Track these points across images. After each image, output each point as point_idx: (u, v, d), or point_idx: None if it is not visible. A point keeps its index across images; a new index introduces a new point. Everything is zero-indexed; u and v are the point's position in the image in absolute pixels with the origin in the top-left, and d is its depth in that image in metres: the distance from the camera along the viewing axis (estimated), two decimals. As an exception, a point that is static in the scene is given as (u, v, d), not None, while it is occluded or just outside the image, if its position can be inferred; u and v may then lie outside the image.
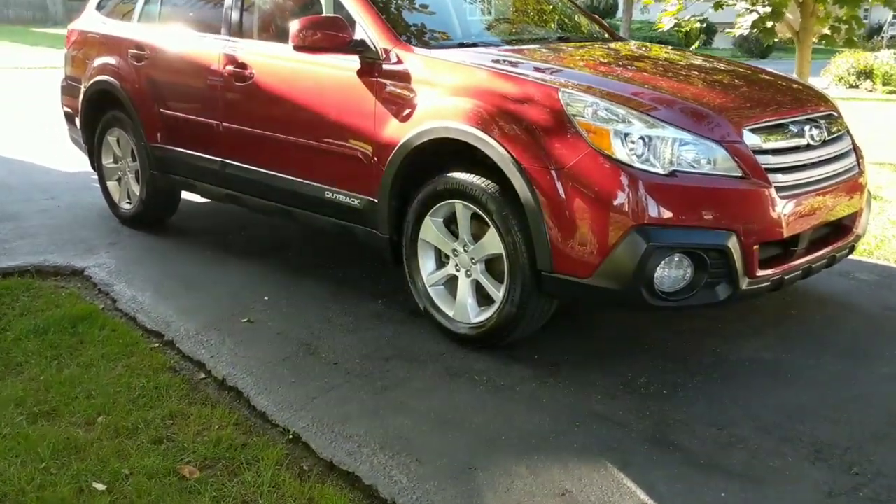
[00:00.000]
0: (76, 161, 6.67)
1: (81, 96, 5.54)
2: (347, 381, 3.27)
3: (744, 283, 3.09)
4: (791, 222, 3.16)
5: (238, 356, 3.52)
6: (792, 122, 3.35)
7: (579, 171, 3.04)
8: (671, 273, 3.04)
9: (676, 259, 3.02)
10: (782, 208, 3.12)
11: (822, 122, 3.47)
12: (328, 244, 4.94)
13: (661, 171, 3.00)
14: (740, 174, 3.06)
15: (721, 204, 3.05)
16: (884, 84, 17.38)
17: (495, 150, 3.21)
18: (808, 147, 3.33)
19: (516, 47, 4.11)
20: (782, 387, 3.20)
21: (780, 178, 3.15)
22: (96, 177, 5.71)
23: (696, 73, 3.87)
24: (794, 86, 3.86)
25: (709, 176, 3.05)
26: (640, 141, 3.03)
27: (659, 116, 3.09)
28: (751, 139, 3.15)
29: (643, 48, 4.58)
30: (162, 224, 5.43)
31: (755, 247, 3.09)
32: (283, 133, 4.14)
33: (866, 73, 18.00)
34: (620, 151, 3.02)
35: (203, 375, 3.42)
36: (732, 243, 3.02)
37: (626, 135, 3.03)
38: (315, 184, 4.04)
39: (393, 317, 3.92)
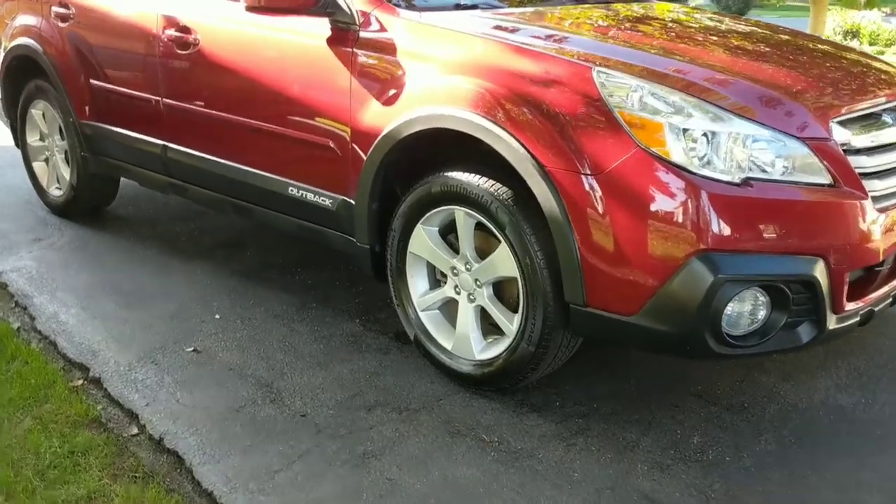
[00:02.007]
0: (3, 136, 5.80)
1: (0, 62, 4.68)
2: (318, 444, 2.54)
3: (831, 322, 2.40)
4: (886, 241, 2.46)
5: (180, 404, 2.77)
6: (885, 111, 2.63)
7: (622, 177, 2.31)
8: (743, 312, 2.33)
9: (751, 294, 2.31)
10: (879, 224, 2.41)
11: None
12: (293, 242, 4.16)
13: (730, 178, 2.27)
14: (829, 181, 2.34)
15: (806, 221, 2.33)
16: (870, 44, 16.80)
17: (509, 146, 2.46)
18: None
19: (527, 9, 3.32)
20: (875, 447, 2.52)
21: (877, 186, 2.44)
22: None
23: (746, 42, 3.13)
24: (869, 61, 3.13)
25: (791, 185, 2.33)
26: (703, 138, 2.30)
27: (725, 105, 2.35)
28: (840, 134, 2.43)
29: (652, 8, 3.75)
30: (98, 213, 4.62)
31: (846, 275, 2.39)
32: (235, 114, 3.36)
33: (853, 33, 17.39)
34: (677, 152, 2.28)
35: (135, 430, 2.68)
36: (820, 272, 2.32)
37: (685, 130, 2.30)
38: (276, 177, 3.27)
39: (374, 342, 3.18)
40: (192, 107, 3.52)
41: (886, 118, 2.60)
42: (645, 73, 2.43)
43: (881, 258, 2.45)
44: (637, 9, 3.55)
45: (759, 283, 2.29)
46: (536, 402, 2.76)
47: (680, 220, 2.26)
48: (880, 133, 2.55)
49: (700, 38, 3.12)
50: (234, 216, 3.77)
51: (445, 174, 2.69)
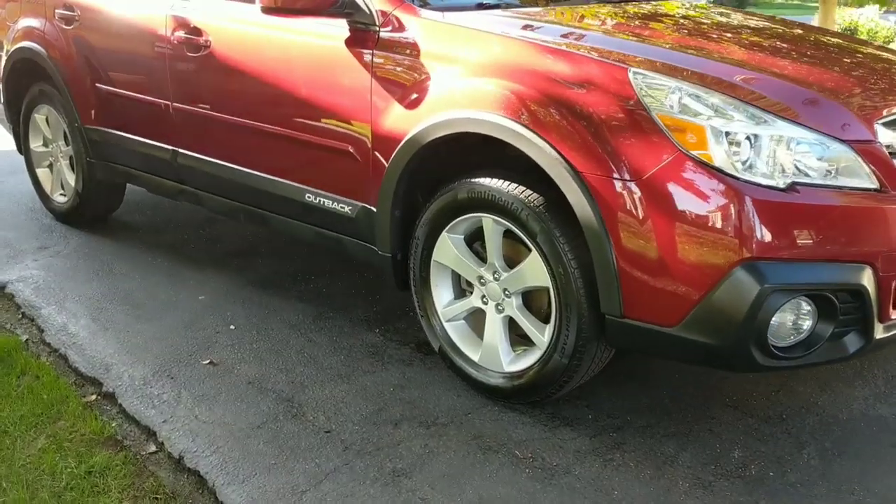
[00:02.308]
0: (4, 141, 5.69)
1: (3, 66, 4.58)
2: (346, 462, 2.45)
3: (878, 331, 2.31)
4: (932, 245, 2.37)
5: (199, 420, 2.67)
6: (927, 111, 2.55)
7: (662, 183, 2.22)
8: (790, 323, 2.24)
9: (797, 304, 2.22)
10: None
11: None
12: (307, 248, 4.06)
13: (776, 183, 2.18)
14: (876, 186, 2.26)
15: (853, 227, 2.24)
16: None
17: (542, 151, 2.37)
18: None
19: (553, 8, 3.23)
20: (919, 461, 2.44)
21: (924, 189, 2.35)
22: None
23: (776, 40, 3.04)
24: (879, 51, 3.02)
25: (837, 189, 2.24)
26: (746, 142, 2.21)
27: (766, 107, 2.26)
28: (885, 136, 2.34)
29: (677, 6, 3.66)
30: (103, 220, 4.51)
31: (893, 282, 2.30)
32: (249, 118, 3.26)
33: (851, 31, 17.34)
34: (720, 156, 2.19)
35: (153, 448, 2.59)
36: (868, 280, 2.23)
37: (727, 133, 2.20)
38: (292, 184, 3.17)
39: (396, 353, 3.08)
40: (203, 111, 3.42)
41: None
42: (683, 74, 2.34)
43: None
44: (662, 8, 3.46)
45: (806, 292, 2.20)
46: (568, 415, 2.67)
47: (723, 227, 2.17)
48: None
49: (730, 37, 3.03)
50: (248, 223, 3.68)
51: (472, 180, 2.60)
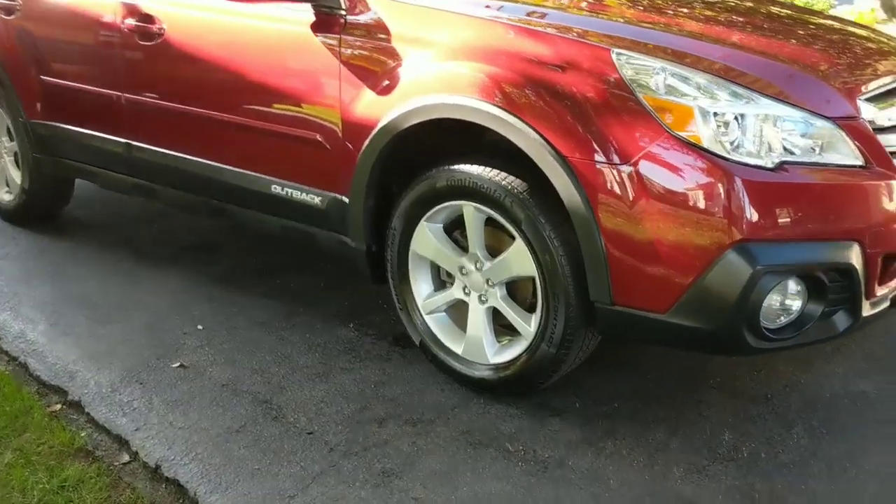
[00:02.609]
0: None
1: (-64, 58, 4.33)
2: (333, 464, 2.36)
3: (866, 308, 2.30)
4: (915, 220, 2.38)
5: (174, 427, 2.56)
6: (903, 85, 2.55)
7: (651, 166, 2.17)
8: (782, 304, 2.23)
9: (786, 285, 2.20)
10: (913, 204, 2.32)
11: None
12: (269, 242, 3.94)
13: (764, 163, 2.15)
14: (862, 162, 2.24)
15: (842, 205, 2.23)
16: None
17: (525, 136, 2.31)
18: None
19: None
20: (907, 436, 2.46)
21: (907, 164, 2.35)
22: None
23: (753, 17, 3.01)
24: (870, 34, 3.03)
25: (825, 167, 2.22)
26: (734, 122, 2.17)
27: (751, 85, 2.23)
28: (868, 112, 2.33)
29: None
30: (52, 219, 4.32)
31: (879, 259, 2.30)
32: (209, 109, 3.13)
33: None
34: (708, 137, 2.15)
35: (127, 458, 2.47)
36: (856, 257, 2.22)
37: (715, 114, 2.17)
38: (258, 175, 3.06)
39: (373, 348, 3.00)
40: (159, 102, 3.27)
41: (906, 93, 2.51)
42: (667, 54, 2.29)
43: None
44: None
45: (797, 272, 2.18)
46: (555, 404, 2.62)
47: (714, 209, 2.13)
48: (902, 109, 2.46)
49: (686, 12, 2.96)
50: (210, 218, 3.54)
51: (452, 167, 2.52)
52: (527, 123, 2.30)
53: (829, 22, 3.18)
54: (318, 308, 3.32)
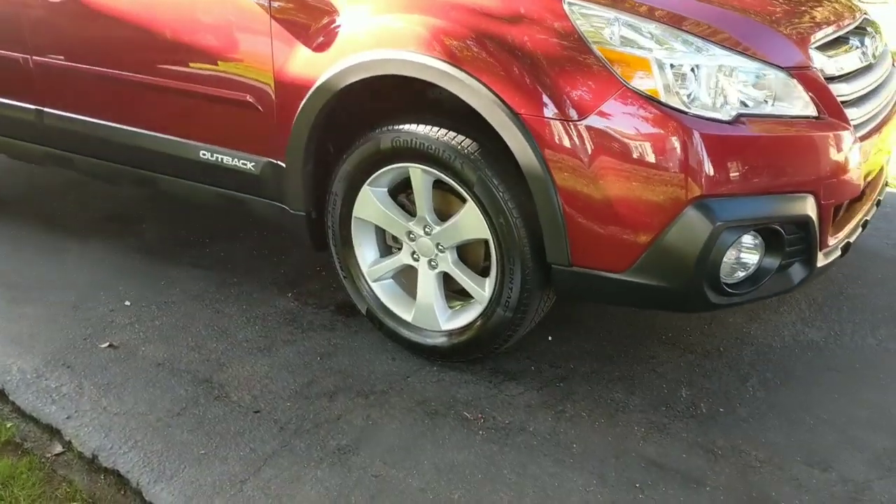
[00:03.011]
0: None
1: None
2: (285, 444, 2.25)
3: (819, 259, 2.30)
4: (864, 171, 2.37)
5: (108, 412, 2.40)
6: (850, 34, 2.53)
7: (607, 121, 2.10)
8: (740, 258, 2.20)
9: (748, 239, 2.17)
10: (858, 154, 2.31)
11: (870, 30, 2.67)
12: (195, 209, 3.74)
13: (722, 116, 2.10)
14: (815, 113, 2.21)
15: (797, 157, 2.20)
16: None
17: (476, 92, 2.20)
18: (869, 67, 2.52)
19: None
20: (860, 382, 2.48)
21: (855, 114, 2.33)
22: None
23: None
24: None
25: (781, 119, 2.18)
26: (691, 73, 2.11)
27: (706, 35, 2.16)
28: (819, 61, 2.30)
29: None
30: (-46, 193, 4.02)
31: (832, 209, 2.29)
32: (127, 70, 2.91)
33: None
34: (666, 90, 2.08)
35: (59, 449, 2.30)
36: (811, 209, 2.20)
37: (672, 66, 2.10)
38: (183, 141, 2.87)
39: (315, 318, 2.88)
40: (72, 64, 3.03)
41: (854, 41, 2.49)
42: (620, 3, 2.21)
43: (862, 189, 2.37)
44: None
45: (756, 226, 2.14)
46: (510, 368, 2.56)
47: (672, 165, 2.07)
48: (849, 57, 2.44)
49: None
50: (132, 187, 3.33)
51: (396, 127, 2.40)
52: (476, 78, 2.19)
53: None
54: (254, 277, 3.17)
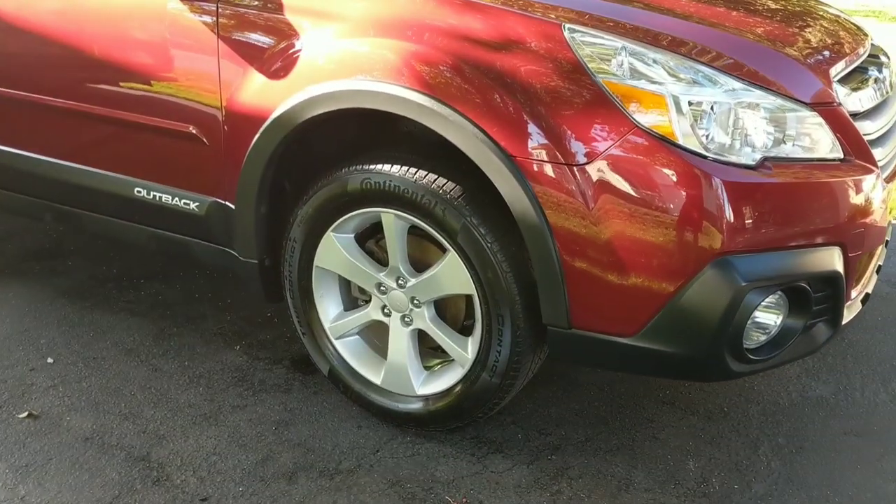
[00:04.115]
0: None
1: None
2: (240, 542, 1.91)
3: (845, 316, 2.06)
4: (888, 216, 2.14)
5: (26, 503, 2.02)
6: (867, 65, 2.30)
7: (616, 167, 1.82)
8: (765, 321, 1.94)
9: (770, 298, 1.91)
10: (886, 198, 2.08)
11: (882, 58, 2.45)
12: (131, 243, 3.35)
13: (745, 160, 1.84)
14: (841, 155, 1.97)
15: (826, 205, 1.94)
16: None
17: (460, 129, 1.90)
18: (886, 101, 2.29)
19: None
20: (881, 448, 2.24)
21: (879, 154, 2.09)
22: None
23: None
24: (821, 7, 2.72)
25: (809, 162, 1.93)
26: (710, 111, 1.84)
27: (732, 70, 1.90)
28: (843, 95, 2.06)
29: None
30: None
31: (858, 262, 2.05)
32: (47, 94, 2.54)
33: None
34: (684, 131, 1.81)
35: (-35, 553, 1.92)
36: (839, 263, 1.95)
37: (690, 103, 1.83)
38: (115, 175, 2.51)
39: (267, 377, 2.54)
40: (-18, 87, 2.63)
41: (871, 72, 2.26)
42: (629, 31, 1.93)
43: (888, 236, 2.13)
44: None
45: (783, 285, 1.88)
46: (494, 436, 2.27)
47: (690, 217, 1.80)
48: (868, 90, 2.20)
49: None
50: (56, 224, 2.94)
51: (367, 167, 2.08)
52: (462, 115, 1.89)
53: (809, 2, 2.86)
54: (196, 326, 2.81)
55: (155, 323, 2.82)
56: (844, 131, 1.97)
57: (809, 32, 2.27)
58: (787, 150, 1.90)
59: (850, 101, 2.09)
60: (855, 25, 2.55)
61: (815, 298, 1.94)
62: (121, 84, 2.38)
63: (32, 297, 2.97)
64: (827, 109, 1.96)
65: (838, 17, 2.55)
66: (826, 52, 2.16)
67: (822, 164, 1.93)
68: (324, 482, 2.09)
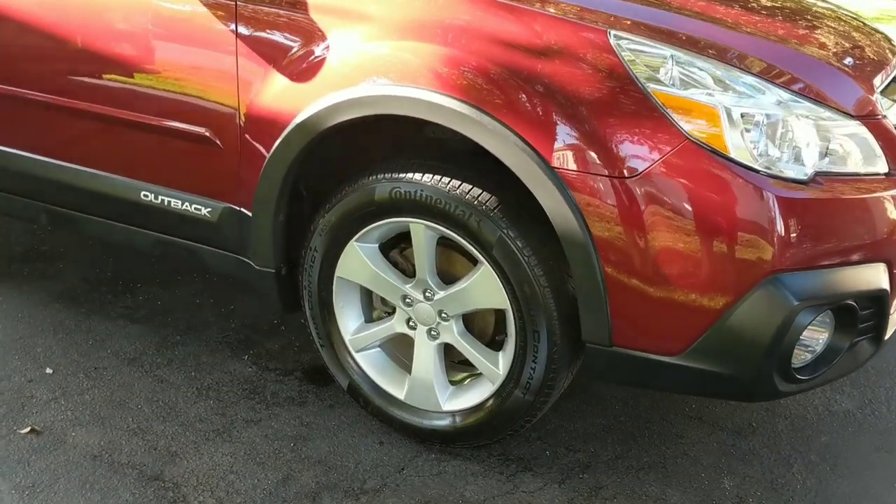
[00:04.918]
0: None
1: None
2: (266, 570, 1.82)
3: (888, 333, 2.01)
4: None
5: (34, 527, 1.92)
6: (898, 75, 2.25)
7: (665, 181, 1.75)
8: (811, 339, 1.88)
9: (821, 318, 1.86)
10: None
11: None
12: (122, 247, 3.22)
13: (798, 175, 1.78)
14: (887, 169, 1.91)
15: (874, 221, 1.89)
16: None
17: (501, 139, 1.81)
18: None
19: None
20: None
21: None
22: None
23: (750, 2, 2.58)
24: (853, 19, 2.66)
25: (857, 177, 1.87)
26: (764, 125, 1.78)
27: (783, 81, 1.83)
28: (886, 106, 2.01)
29: None
30: None
31: (900, 277, 2.00)
32: (47, 91, 2.41)
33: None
34: (736, 144, 1.74)
35: (-30, 581, 1.81)
36: (885, 280, 1.90)
37: (743, 115, 1.76)
38: (120, 179, 2.39)
39: (280, 389, 2.44)
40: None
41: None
42: (676, 39, 1.86)
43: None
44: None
45: (833, 304, 1.83)
46: (521, 453, 2.19)
47: (742, 234, 1.74)
48: (905, 100, 2.16)
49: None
50: (52, 226, 2.81)
51: (397, 175, 1.99)
52: (503, 124, 1.81)
53: (823, 6, 2.79)
54: (199, 334, 2.70)
55: (156, 330, 2.70)
56: (889, 143, 1.92)
57: (848, 42, 2.22)
58: (837, 163, 1.84)
59: (892, 112, 2.04)
60: (881, 34, 2.50)
61: (861, 316, 1.89)
62: (128, 82, 2.26)
63: (24, 302, 2.84)
64: (873, 122, 1.91)
65: (865, 25, 2.50)
66: (868, 63, 2.11)
67: (869, 178, 1.88)
68: (349, 502, 2.00)
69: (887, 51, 2.28)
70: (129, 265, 3.11)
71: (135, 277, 3.03)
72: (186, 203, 2.30)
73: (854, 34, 2.30)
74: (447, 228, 1.96)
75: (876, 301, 1.90)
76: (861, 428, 2.35)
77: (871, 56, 2.18)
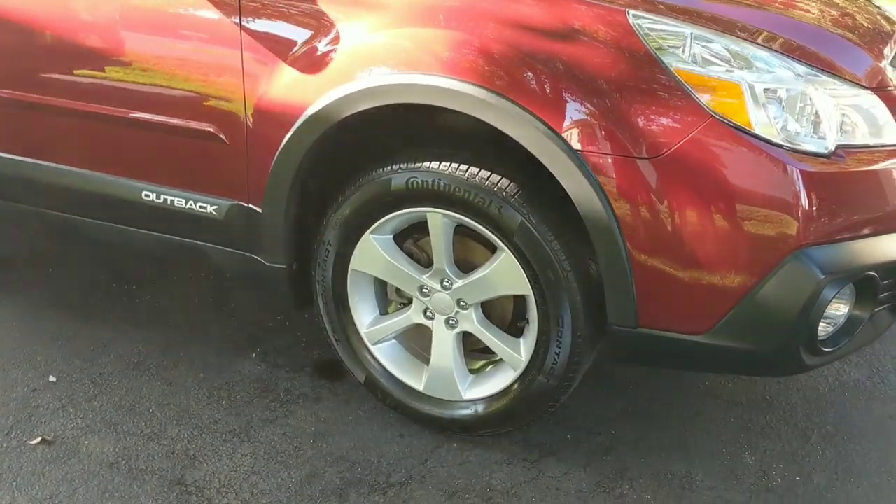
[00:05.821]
0: None
1: None
2: (302, 570, 1.79)
3: (902, 304, 2.04)
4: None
5: (56, 541, 1.87)
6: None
7: (690, 160, 1.74)
8: (833, 312, 1.89)
9: (844, 290, 1.87)
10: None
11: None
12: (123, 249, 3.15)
13: (821, 149, 1.78)
14: (898, 139, 1.94)
15: (892, 192, 1.91)
16: None
17: (523, 123, 1.79)
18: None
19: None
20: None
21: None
22: None
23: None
24: None
25: (875, 148, 1.89)
26: (786, 100, 1.78)
27: (803, 56, 1.84)
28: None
29: None
30: None
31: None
32: (41, 91, 2.34)
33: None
34: (761, 120, 1.75)
35: None
36: (902, 250, 1.93)
37: (766, 91, 1.76)
38: (120, 180, 2.33)
39: (293, 386, 2.41)
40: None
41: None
42: (694, 17, 1.85)
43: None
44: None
45: (858, 275, 1.84)
46: (543, 440, 2.19)
47: (768, 209, 1.74)
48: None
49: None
50: (46, 230, 2.74)
51: (412, 165, 1.96)
52: (524, 108, 1.79)
53: None
54: (203, 335, 2.65)
55: (158, 333, 2.65)
56: (901, 115, 1.94)
57: (856, 16, 2.23)
58: (856, 135, 1.85)
59: (899, 83, 2.06)
60: (877, 7, 2.53)
61: (882, 287, 1.90)
62: (126, 78, 2.20)
63: (15, 309, 2.76)
64: (886, 93, 1.92)
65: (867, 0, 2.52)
66: (876, 36, 2.13)
67: (887, 149, 1.90)
68: (377, 498, 1.98)
69: (889, 22, 2.30)
70: (123, 268, 3.04)
71: (128, 280, 2.97)
72: (191, 201, 2.25)
73: (855, 8, 2.32)
74: (466, 216, 1.94)
75: (893, 271, 1.91)
76: (872, 396, 2.38)
77: (878, 28, 2.19)
